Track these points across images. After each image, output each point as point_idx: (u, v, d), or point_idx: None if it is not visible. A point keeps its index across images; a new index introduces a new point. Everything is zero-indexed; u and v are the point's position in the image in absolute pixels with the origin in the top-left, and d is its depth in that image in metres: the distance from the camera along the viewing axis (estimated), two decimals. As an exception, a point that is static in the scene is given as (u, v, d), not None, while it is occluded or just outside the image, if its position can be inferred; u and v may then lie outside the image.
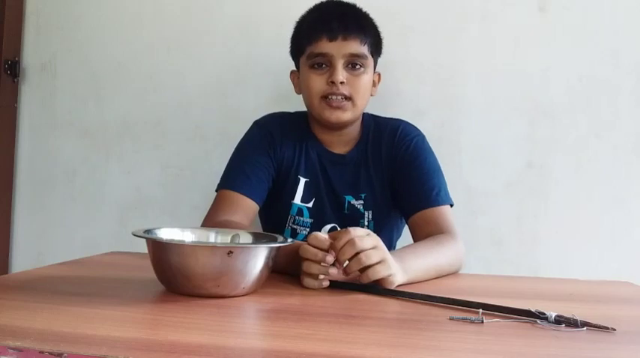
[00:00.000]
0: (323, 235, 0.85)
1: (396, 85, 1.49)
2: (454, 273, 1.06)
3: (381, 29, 1.23)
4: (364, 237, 0.84)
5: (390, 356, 0.55)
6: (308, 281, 0.85)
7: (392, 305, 0.80)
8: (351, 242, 0.82)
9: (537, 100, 1.47)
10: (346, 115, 1.16)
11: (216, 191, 1.17)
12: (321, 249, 0.84)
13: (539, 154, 1.46)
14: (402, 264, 0.90)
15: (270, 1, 1.55)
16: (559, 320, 0.69)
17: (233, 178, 1.17)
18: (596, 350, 0.61)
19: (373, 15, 1.23)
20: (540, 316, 0.70)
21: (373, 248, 0.84)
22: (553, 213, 1.46)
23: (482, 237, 1.47)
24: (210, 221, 1.09)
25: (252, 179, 1.16)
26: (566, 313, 0.70)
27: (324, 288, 0.85)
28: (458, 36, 1.49)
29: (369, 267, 0.83)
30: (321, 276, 0.85)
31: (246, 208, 1.14)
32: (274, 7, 1.53)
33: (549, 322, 0.69)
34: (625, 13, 1.44)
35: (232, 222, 1.07)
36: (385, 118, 1.29)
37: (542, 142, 1.46)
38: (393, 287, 0.85)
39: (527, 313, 0.71)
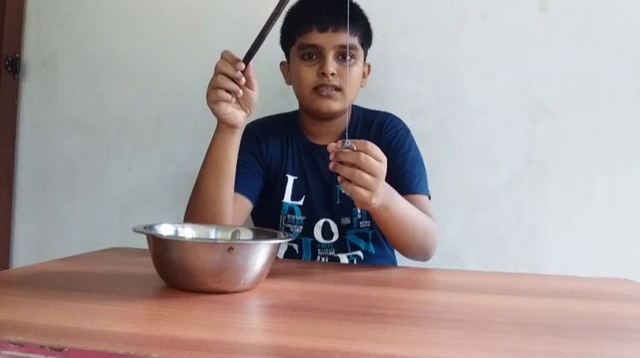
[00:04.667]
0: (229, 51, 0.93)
1: (397, 83, 1.49)
2: (424, 250, 1.08)
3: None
4: (373, 162, 0.84)
5: (390, 352, 0.55)
6: (219, 94, 0.94)
7: (392, 301, 0.80)
8: (356, 156, 0.83)
9: (538, 99, 1.47)
10: (336, 105, 1.16)
11: None
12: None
13: (540, 152, 1.47)
14: (389, 193, 0.93)
15: (269, 0, 1.55)
16: None
17: None
18: (596, 348, 0.61)
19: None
20: None
21: (376, 172, 0.85)
22: (553, 210, 1.46)
23: (483, 234, 1.47)
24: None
25: (241, 177, 1.16)
26: (567, 312, 0.70)
27: (325, 285, 0.86)
28: (458, 34, 1.49)
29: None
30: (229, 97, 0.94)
31: (237, 205, 1.13)
32: (274, 4, 1.53)
33: None
34: (625, 12, 1.44)
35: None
36: (374, 111, 1.30)
37: (542, 140, 1.47)
38: (365, 206, 0.89)
39: None
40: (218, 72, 0.94)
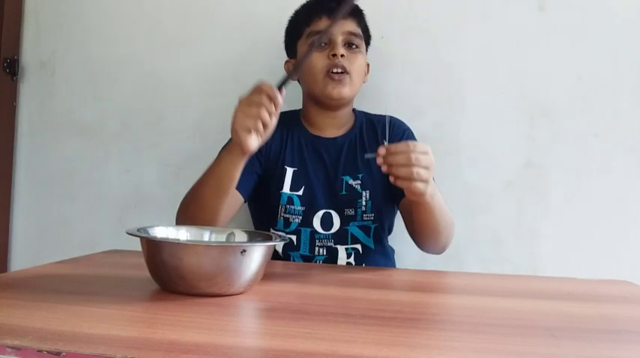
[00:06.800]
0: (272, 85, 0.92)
1: (396, 85, 1.49)
2: (448, 240, 1.14)
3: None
4: (424, 158, 0.91)
5: (389, 355, 0.55)
6: (247, 121, 0.92)
7: (391, 303, 0.80)
8: (407, 156, 0.90)
9: (536, 100, 1.47)
10: (346, 90, 1.21)
11: None
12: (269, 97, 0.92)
13: (539, 153, 1.46)
14: (432, 181, 0.98)
15: (269, 0, 1.55)
16: None
17: None
18: (594, 350, 0.61)
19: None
20: None
21: (429, 165, 0.92)
22: (552, 212, 1.46)
23: (482, 235, 1.47)
24: None
25: None
26: (565, 314, 0.70)
27: (323, 287, 0.85)
28: (457, 35, 1.49)
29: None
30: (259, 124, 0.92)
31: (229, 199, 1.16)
32: (273, 5, 1.53)
33: None
34: (624, 13, 1.44)
35: None
36: (375, 114, 1.35)
37: (541, 141, 1.46)
38: (419, 197, 0.94)
39: None
40: (257, 103, 0.92)
